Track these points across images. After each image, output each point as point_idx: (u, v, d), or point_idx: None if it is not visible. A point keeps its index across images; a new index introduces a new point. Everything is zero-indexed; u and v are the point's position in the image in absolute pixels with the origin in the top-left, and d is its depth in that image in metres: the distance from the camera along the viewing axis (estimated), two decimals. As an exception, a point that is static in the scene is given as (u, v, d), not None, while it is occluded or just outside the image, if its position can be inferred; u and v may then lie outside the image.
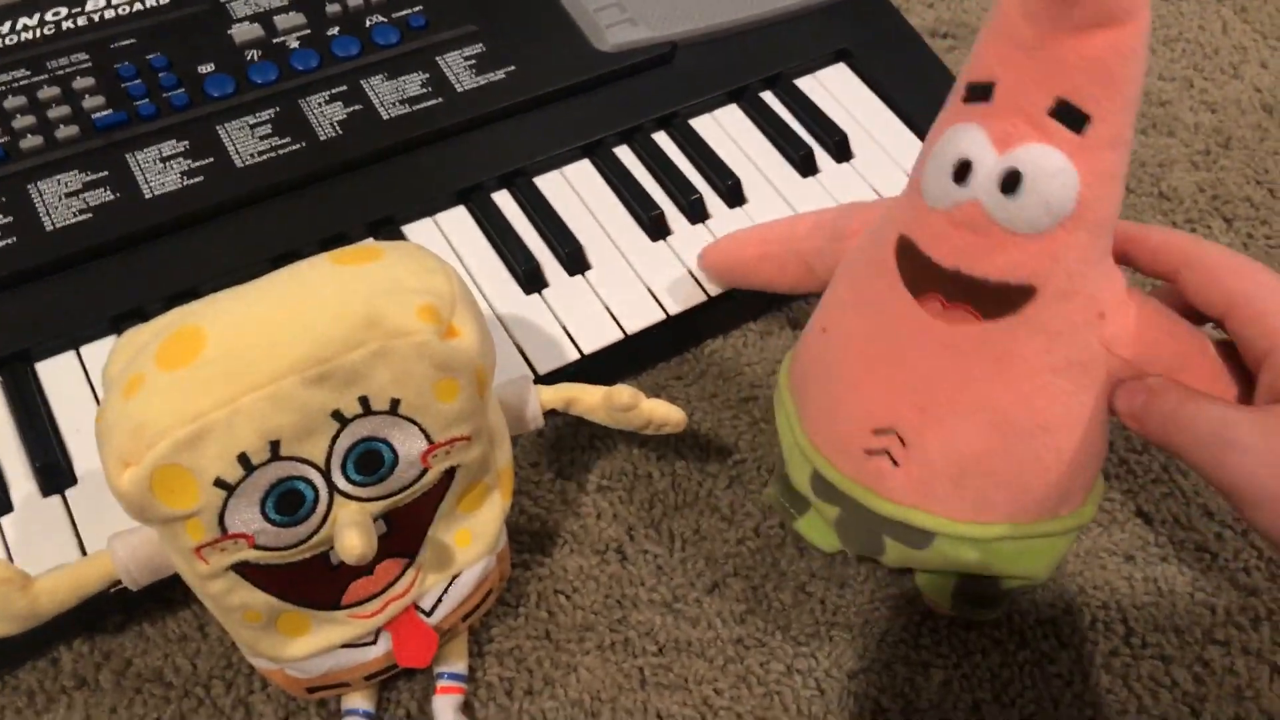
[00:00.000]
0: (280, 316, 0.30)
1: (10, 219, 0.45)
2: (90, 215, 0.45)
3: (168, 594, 0.42)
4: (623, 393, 0.40)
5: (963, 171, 0.32)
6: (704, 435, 0.49)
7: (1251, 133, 0.65)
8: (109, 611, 0.42)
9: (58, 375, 0.43)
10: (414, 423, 0.32)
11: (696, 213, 0.51)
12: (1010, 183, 0.31)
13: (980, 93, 0.31)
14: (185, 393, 0.29)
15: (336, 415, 0.31)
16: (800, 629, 0.44)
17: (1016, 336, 0.33)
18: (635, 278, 0.49)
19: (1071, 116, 0.30)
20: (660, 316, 0.48)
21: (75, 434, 0.42)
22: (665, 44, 0.56)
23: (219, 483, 0.29)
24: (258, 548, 0.32)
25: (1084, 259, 0.32)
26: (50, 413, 0.42)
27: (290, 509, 0.31)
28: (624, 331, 0.48)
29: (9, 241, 0.44)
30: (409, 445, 0.33)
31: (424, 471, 0.33)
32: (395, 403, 0.31)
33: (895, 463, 0.36)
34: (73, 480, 0.41)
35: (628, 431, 0.44)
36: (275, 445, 0.30)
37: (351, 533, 0.31)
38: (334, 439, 0.31)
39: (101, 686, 0.40)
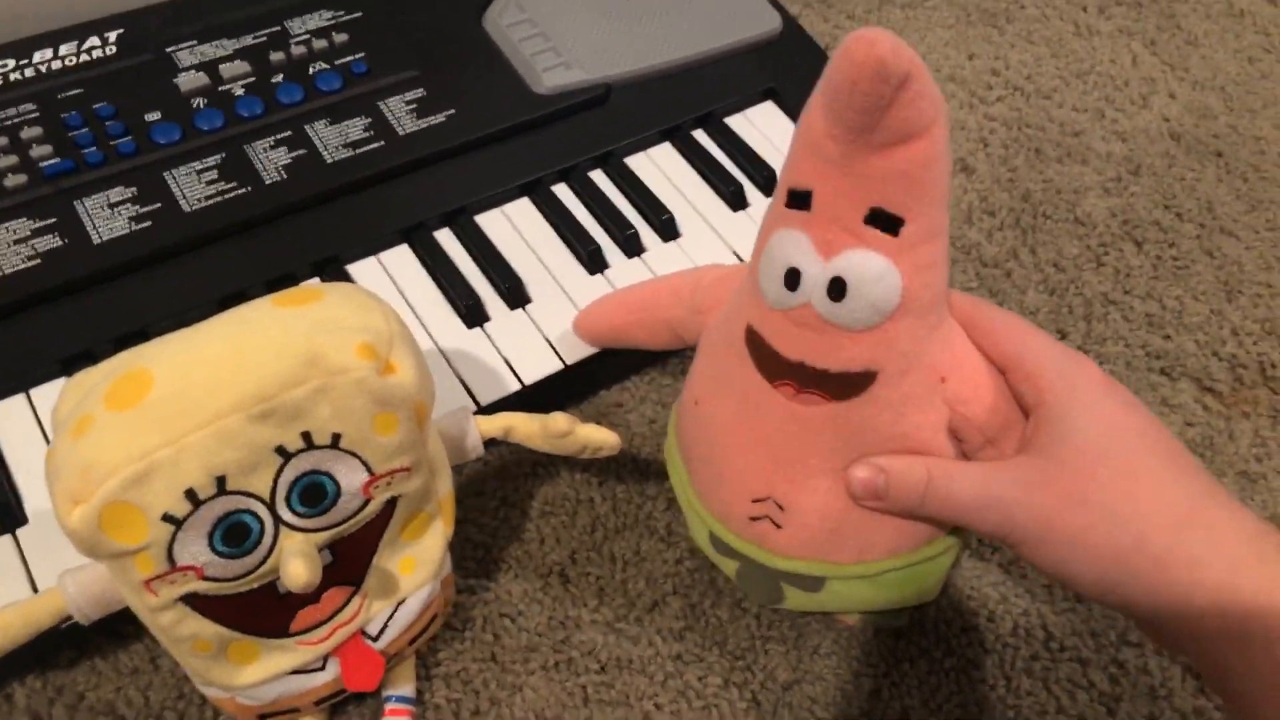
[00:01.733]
0: (225, 356, 0.32)
1: (-42, 266, 0.46)
2: (39, 261, 0.47)
3: (119, 628, 0.43)
4: (558, 420, 0.42)
5: (793, 279, 0.34)
6: (643, 460, 0.51)
7: (1160, 160, 0.68)
8: (61, 647, 0.43)
9: (8, 417, 0.44)
10: (355, 456, 0.34)
11: (632, 248, 0.54)
12: (837, 290, 0.33)
13: (800, 200, 0.33)
14: (133, 432, 0.30)
15: (280, 450, 0.32)
16: (736, 643, 0.46)
17: (866, 414, 0.36)
18: (574, 309, 0.51)
19: (887, 222, 0.32)
20: (598, 348, 0.50)
21: (25, 474, 0.43)
22: (600, 85, 0.58)
23: (167, 518, 0.31)
24: (206, 579, 0.33)
25: (915, 339, 0.35)
26: (0, 454, 0.43)
27: (237, 541, 0.32)
28: (564, 361, 0.49)
29: (-42, 288, 0.45)
30: (351, 477, 0.34)
31: (366, 502, 0.35)
32: (336, 437, 0.33)
33: (777, 525, 0.39)
34: (23, 520, 0.42)
35: (568, 457, 0.46)
36: (221, 480, 0.31)
37: (296, 562, 0.33)
38: (278, 473, 0.32)
39: (54, 722, 0.41)
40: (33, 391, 0.45)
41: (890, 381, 0.35)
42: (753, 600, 0.43)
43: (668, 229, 0.55)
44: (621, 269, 0.53)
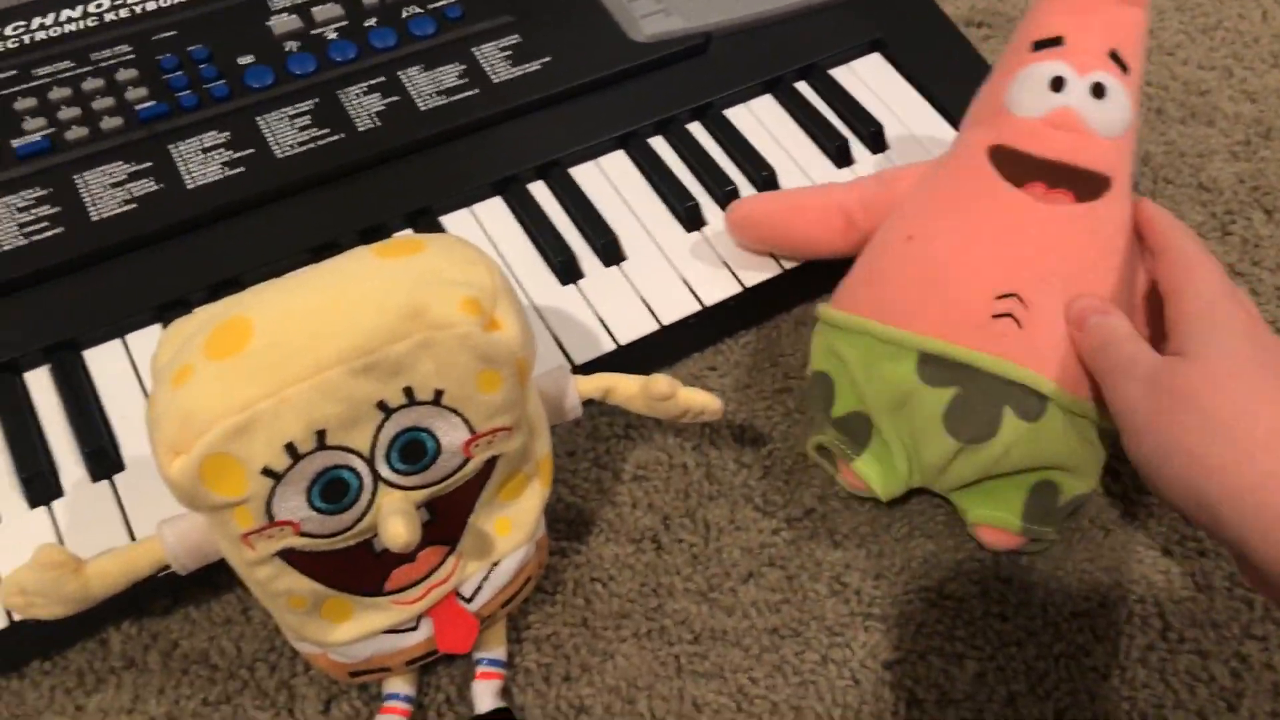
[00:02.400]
0: (325, 308, 0.31)
1: (57, 209, 0.46)
2: (134, 206, 0.46)
3: (213, 577, 0.43)
4: (660, 382, 0.40)
5: (1058, 84, 0.42)
6: (738, 426, 0.49)
7: (1292, 123, 0.64)
8: (156, 594, 0.42)
9: (105, 363, 0.44)
10: (457, 413, 0.33)
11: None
12: (1099, 91, 0.42)
13: (1050, 43, 0.43)
14: (233, 382, 0.29)
15: (381, 405, 0.31)
16: (835, 619, 0.44)
17: (1100, 216, 0.42)
18: (670, 269, 0.49)
19: (1120, 62, 0.43)
20: (695, 307, 0.49)
21: (122, 420, 0.43)
22: (700, 34, 0.56)
23: (266, 471, 0.30)
24: (303, 534, 0.32)
25: (1129, 171, 0.43)
26: (99, 400, 0.43)
27: (336, 497, 0.32)
28: (659, 322, 0.48)
29: (56, 232, 0.45)
30: (452, 435, 0.33)
31: (466, 461, 0.34)
32: (439, 394, 0.32)
33: (1019, 324, 0.40)
34: (121, 466, 0.42)
35: (664, 421, 0.45)
36: (321, 435, 0.30)
37: (396, 520, 0.32)
38: (379, 429, 0.31)
39: (149, 667, 0.41)
40: (129, 337, 0.45)
41: (1116, 197, 0.42)
42: (962, 436, 0.41)
43: (769, 185, 0.52)
44: (720, 226, 0.51)
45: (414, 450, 0.32)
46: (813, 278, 0.51)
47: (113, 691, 0.41)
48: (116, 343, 0.45)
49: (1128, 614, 0.44)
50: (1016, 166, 0.42)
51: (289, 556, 0.33)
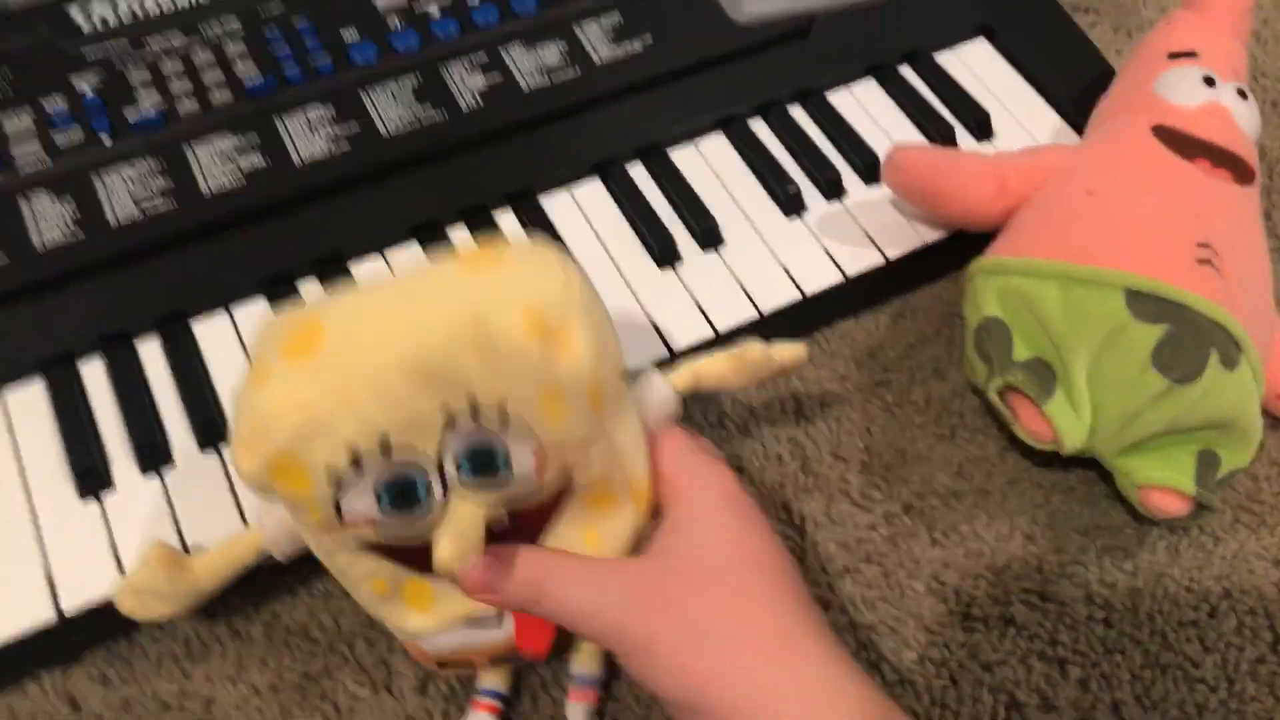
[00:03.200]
0: (391, 314, 0.31)
1: (170, 183, 0.46)
2: (244, 180, 0.47)
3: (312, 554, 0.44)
4: (754, 348, 0.39)
5: (1210, 81, 0.48)
6: (834, 419, 0.48)
7: None
8: (259, 568, 0.43)
9: (212, 335, 0.45)
10: (524, 432, 0.32)
11: (833, 190, 0.51)
12: (1243, 94, 0.48)
13: (1186, 55, 0.50)
14: (300, 385, 0.30)
15: (447, 416, 0.31)
16: (934, 618, 0.43)
17: (1254, 200, 0.47)
18: (770, 255, 0.49)
19: (1239, 79, 0.50)
20: (795, 296, 0.48)
21: (229, 391, 0.43)
22: (802, 17, 0.55)
23: (330, 473, 0.30)
24: (380, 530, 0.32)
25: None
26: (206, 371, 0.44)
27: (405, 503, 0.31)
28: (759, 310, 0.47)
29: (169, 205, 0.46)
30: (521, 456, 0.32)
31: (540, 483, 0.33)
32: (504, 412, 0.31)
33: (1218, 270, 0.42)
34: (227, 436, 0.42)
35: (757, 413, 0.44)
36: (385, 441, 0.30)
37: (444, 542, 0.32)
38: (445, 438, 0.31)
39: (253, 638, 0.42)
40: (235, 310, 0.46)
41: (1254, 188, 0.47)
42: (1171, 374, 0.40)
43: (872, 172, 0.51)
44: (821, 213, 0.50)
45: (483, 463, 0.32)
46: (917, 269, 0.50)
47: (218, 661, 0.41)
48: (223, 315, 0.45)
49: (1237, 625, 0.43)
50: (1181, 144, 0.46)
51: (371, 545, 0.33)
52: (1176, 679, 0.42)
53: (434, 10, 0.52)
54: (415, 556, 0.34)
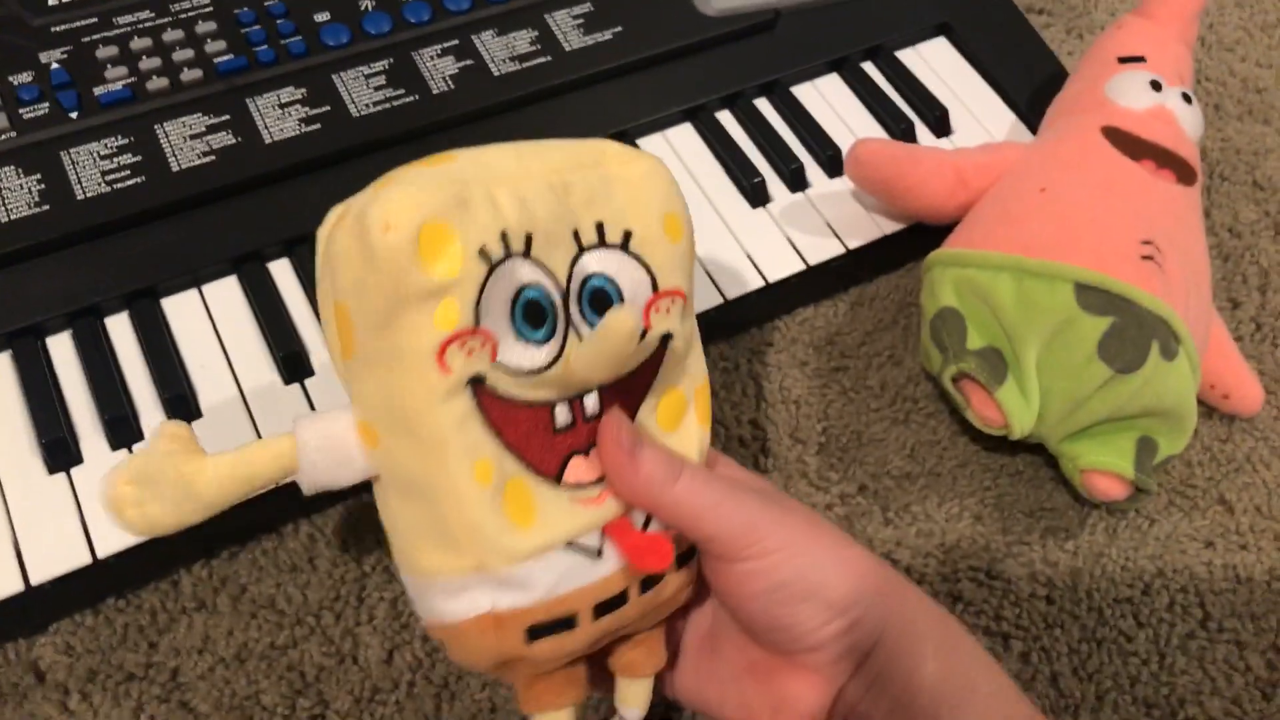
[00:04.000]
0: (522, 150, 0.32)
1: (138, 159, 0.46)
2: (213, 158, 0.47)
3: (279, 525, 0.44)
4: None
5: (1157, 85, 0.50)
6: (793, 402, 0.50)
7: (1349, 124, 0.64)
8: (225, 539, 0.44)
9: (182, 312, 0.45)
10: (642, 264, 0.33)
11: (797, 181, 0.52)
12: (1187, 99, 0.50)
13: (1135, 60, 0.52)
14: (446, 174, 0.29)
15: (575, 236, 0.31)
16: (885, 594, 0.45)
17: (1194, 202, 0.49)
18: (735, 243, 0.50)
19: (1184, 84, 0.52)
20: (759, 283, 0.49)
21: (201, 370, 0.43)
22: (769, 10, 0.56)
23: (483, 254, 0.29)
24: (498, 364, 0.30)
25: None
26: (176, 347, 0.44)
27: (535, 321, 0.30)
28: (723, 296, 0.48)
29: (137, 181, 0.46)
30: (636, 289, 0.32)
31: (644, 333, 0.31)
32: (627, 236, 0.33)
33: (1161, 267, 0.44)
34: (199, 413, 0.43)
35: (719, 396, 0.45)
36: (528, 240, 0.30)
37: (617, 314, 0.29)
38: (573, 262, 0.31)
39: (219, 609, 0.43)
40: (205, 287, 0.46)
41: (1198, 191, 0.49)
42: (1115, 364, 0.42)
43: (834, 164, 0.53)
44: (785, 203, 0.52)
45: (601, 300, 0.32)
46: (876, 259, 0.52)
47: (184, 631, 0.42)
48: (193, 293, 0.46)
49: (1169, 602, 0.45)
50: (1128, 145, 0.48)
51: (480, 400, 0.29)
52: (1111, 652, 0.44)
53: (406, -7, 0.53)
54: (517, 436, 0.30)
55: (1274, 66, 0.67)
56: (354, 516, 0.45)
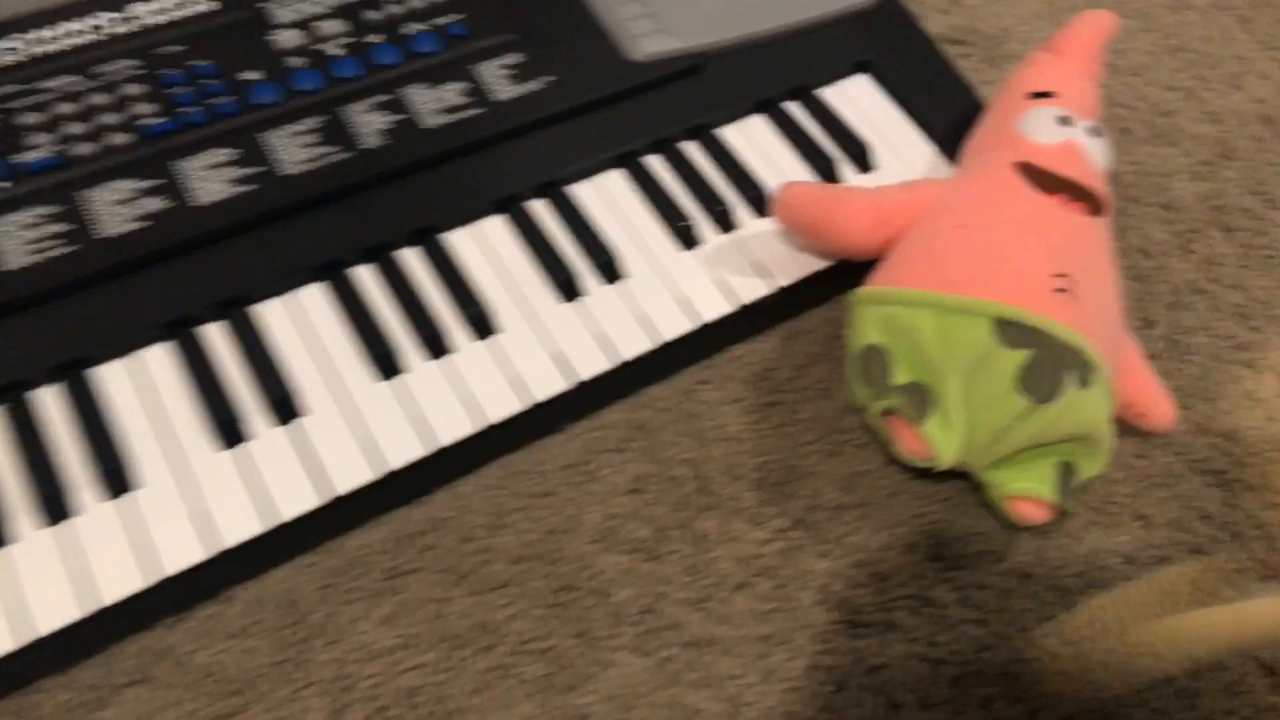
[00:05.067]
0: None
1: (67, 226, 0.46)
2: (143, 223, 0.47)
3: (219, 591, 0.44)
4: None
5: (1066, 120, 0.53)
6: (730, 439, 0.51)
7: (1251, 144, 0.67)
8: (164, 610, 0.44)
9: (113, 381, 0.45)
10: None
11: (726, 223, 0.53)
12: (1095, 132, 0.53)
13: (1044, 96, 0.54)
14: None
15: None
16: (822, 626, 0.46)
17: (1105, 233, 0.51)
18: (667, 287, 0.51)
19: (1094, 117, 0.55)
20: (691, 325, 0.50)
21: (139, 438, 0.43)
22: (696, 54, 0.57)
23: None
24: None
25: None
26: (109, 417, 0.44)
27: None
28: (659, 340, 0.50)
29: (65, 250, 0.46)
30: None
31: None
32: None
33: (1074, 298, 0.46)
34: (132, 487, 0.43)
35: (656, 437, 0.46)
36: None
37: None
38: None
39: (160, 682, 0.42)
40: (136, 355, 0.46)
41: (1106, 222, 0.51)
42: (1033, 396, 0.44)
43: (762, 205, 0.54)
44: (715, 244, 0.53)
45: None
46: (805, 294, 0.53)
47: (124, 706, 0.42)
48: (125, 361, 0.46)
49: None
50: (1041, 180, 0.50)
51: None
52: (1040, 671, 0.46)
53: (335, 50, 0.53)
54: None
55: (1181, 89, 0.70)
56: (298, 575, 0.45)
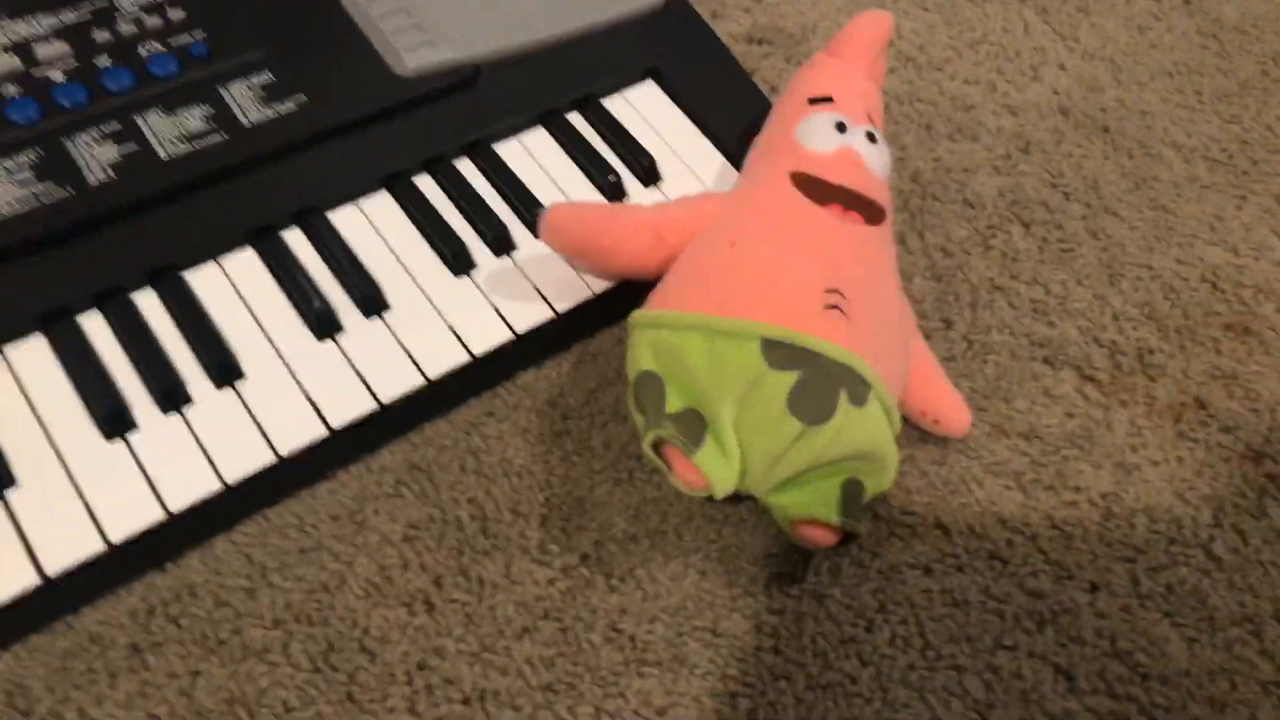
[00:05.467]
0: None
1: None
2: None
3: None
4: None
5: (841, 127, 0.51)
6: (515, 473, 0.48)
7: (1049, 136, 0.68)
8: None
9: None
10: None
11: (502, 245, 0.51)
12: (872, 138, 0.52)
13: (821, 100, 0.53)
14: None
15: None
16: (610, 668, 0.44)
17: (883, 241, 0.50)
18: (437, 317, 0.48)
19: (872, 121, 0.53)
20: (465, 358, 0.48)
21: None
22: (468, 66, 0.54)
23: None
24: None
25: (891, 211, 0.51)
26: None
27: None
28: (425, 376, 0.46)
29: None
30: None
31: None
32: None
33: (845, 315, 0.45)
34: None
35: (435, 478, 0.43)
36: None
37: None
38: None
39: None
40: None
41: (888, 228, 0.51)
42: (805, 417, 0.43)
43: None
44: (490, 269, 0.50)
45: None
46: (587, 317, 0.51)
47: None
48: None
49: (891, 636, 0.46)
50: (816, 190, 0.49)
51: None
52: (837, 696, 0.45)
53: (57, 75, 0.48)
54: None
55: (981, 82, 0.70)
56: (24, 661, 0.41)
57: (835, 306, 0.45)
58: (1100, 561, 0.49)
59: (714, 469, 0.44)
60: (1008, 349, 0.57)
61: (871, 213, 0.49)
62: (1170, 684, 0.45)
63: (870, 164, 0.51)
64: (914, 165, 0.65)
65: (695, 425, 0.44)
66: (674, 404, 0.45)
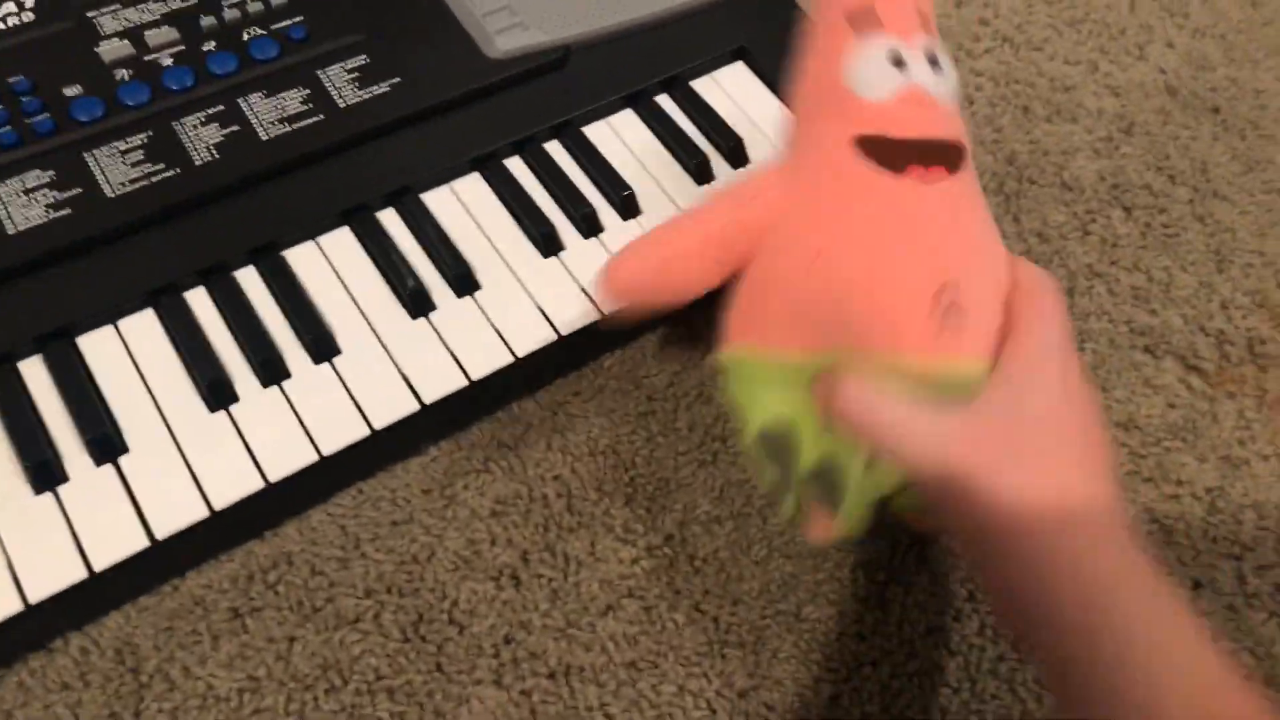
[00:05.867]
0: None
1: None
2: (-48, 255, 0.44)
3: (47, 642, 0.42)
4: None
5: (899, 61, 0.41)
6: (601, 452, 0.49)
7: (1154, 117, 0.65)
8: (-11, 664, 0.41)
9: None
10: None
11: (590, 227, 0.51)
12: (934, 60, 0.41)
13: (863, 20, 0.41)
14: None
15: None
16: (693, 649, 0.44)
17: (971, 182, 0.42)
18: (527, 297, 0.49)
19: (928, 28, 0.42)
20: (552, 337, 0.48)
21: None
22: (558, 48, 0.55)
23: None
24: None
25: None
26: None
27: None
28: (514, 355, 0.47)
29: None
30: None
31: None
32: None
33: (960, 309, 0.40)
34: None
35: (523, 455, 0.44)
36: None
37: None
38: None
39: (-17, 742, 0.40)
40: (-47, 394, 0.43)
41: (969, 166, 0.42)
42: None
43: (628, 206, 0.52)
44: (578, 250, 0.50)
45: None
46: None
47: (-55, 768, 0.39)
48: (-61, 401, 0.43)
49: (979, 626, 0.45)
50: (887, 155, 0.41)
51: None
52: (923, 685, 0.44)
53: (166, 59, 0.50)
54: None
55: (1082, 63, 0.68)
56: (134, 620, 0.43)
57: (949, 307, 0.39)
58: (1204, 558, 0.47)
59: (849, 521, 0.41)
60: (1106, 336, 0.55)
61: (953, 157, 0.41)
62: (1276, 686, 0.44)
63: (938, 96, 0.42)
64: (1010, 147, 0.63)
65: (833, 479, 0.41)
66: (807, 459, 0.41)
